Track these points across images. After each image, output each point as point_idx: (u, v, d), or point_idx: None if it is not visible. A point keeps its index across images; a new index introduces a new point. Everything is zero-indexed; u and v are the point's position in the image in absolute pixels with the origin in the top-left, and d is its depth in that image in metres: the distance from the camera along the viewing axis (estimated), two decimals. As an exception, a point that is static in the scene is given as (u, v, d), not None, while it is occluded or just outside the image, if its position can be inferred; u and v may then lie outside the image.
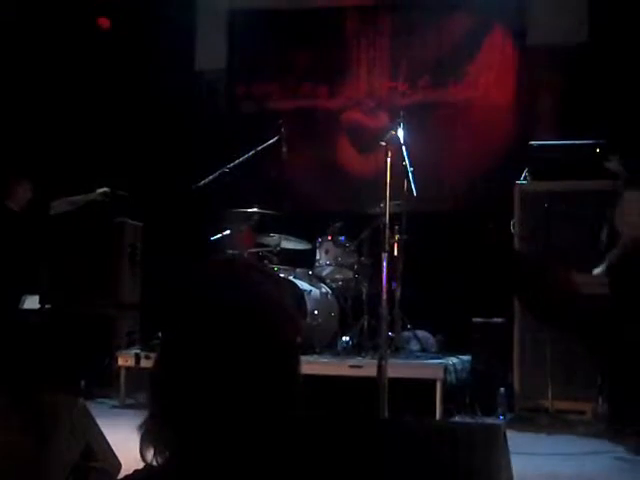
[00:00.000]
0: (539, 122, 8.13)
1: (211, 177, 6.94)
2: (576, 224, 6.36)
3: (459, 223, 7.74)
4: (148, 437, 1.32)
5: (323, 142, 8.94)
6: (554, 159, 7.01)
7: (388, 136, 5.40)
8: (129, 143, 8.73)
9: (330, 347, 7.10)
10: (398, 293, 6.98)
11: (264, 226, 7.56)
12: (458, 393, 6.46)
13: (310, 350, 6.79)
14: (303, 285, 7.10)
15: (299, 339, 1.40)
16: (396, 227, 6.90)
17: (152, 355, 6.42)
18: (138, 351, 6.96)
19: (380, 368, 4.93)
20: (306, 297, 6.96)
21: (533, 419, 6.31)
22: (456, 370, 6.53)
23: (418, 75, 8.67)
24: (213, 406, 1.28)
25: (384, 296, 5.10)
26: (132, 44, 8.92)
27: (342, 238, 7.44)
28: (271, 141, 7.30)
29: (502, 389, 6.39)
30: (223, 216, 7.56)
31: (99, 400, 7.06)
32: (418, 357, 6.86)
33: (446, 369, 6.27)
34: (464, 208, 8.06)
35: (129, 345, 7.78)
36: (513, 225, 6.71)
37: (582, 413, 6.34)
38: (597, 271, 5.12)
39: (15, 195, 7.15)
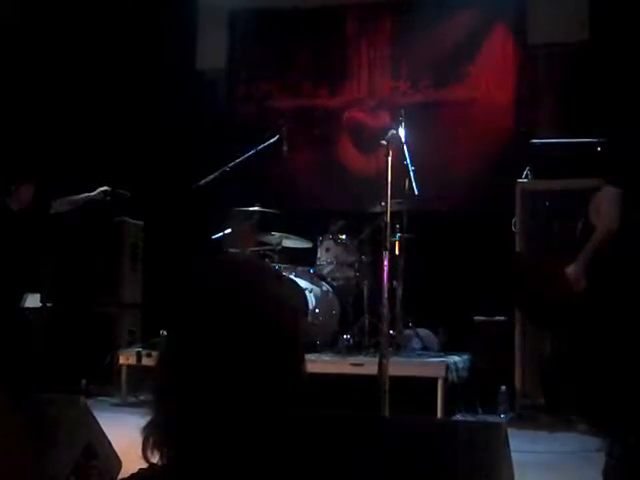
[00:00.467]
0: (540, 120, 8.13)
1: (212, 176, 6.94)
2: (577, 222, 6.34)
3: (460, 222, 7.74)
4: (151, 436, 1.32)
5: (324, 141, 8.93)
6: (555, 157, 7.01)
7: (389, 135, 5.39)
8: (130, 142, 8.72)
9: (331, 345, 7.11)
10: (399, 291, 6.99)
11: (265, 225, 7.56)
12: (459, 391, 6.46)
13: (311, 348, 6.80)
14: (304, 283, 7.11)
15: (301, 335, 1.40)
16: (397, 226, 6.91)
17: (153, 353, 6.42)
18: (139, 349, 6.98)
19: (381, 366, 4.93)
20: (307, 295, 6.97)
21: (534, 417, 6.31)
22: (457, 368, 6.53)
23: (419, 74, 8.65)
24: (216, 403, 1.28)
25: (385, 294, 5.10)
26: (133, 43, 8.91)
27: (343, 237, 7.44)
28: (272, 140, 7.30)
29: (503, 387, 6.40)
30: (224, 215, 7.56)
31: (100, 398, 7.07)
32: (419, 355, 6.86)
33: (447, 367, 6.27)
34: (465, 207, 8.05)
35: (130, 343, 7.80)
36: (514, 223, 6.71)
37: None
38: (570, 269, 5.10)
39: (16, 194, 7.16)
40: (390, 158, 5.21)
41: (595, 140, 5.94)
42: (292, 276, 7.15)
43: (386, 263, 5.11)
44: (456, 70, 8.51)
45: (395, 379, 5.11)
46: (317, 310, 7.01)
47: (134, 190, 7.85)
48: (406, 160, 6.25)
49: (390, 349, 5.76)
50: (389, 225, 5.23)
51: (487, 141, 8.28)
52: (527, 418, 6.32)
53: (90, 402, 3.93)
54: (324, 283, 7.42)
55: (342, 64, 8.97)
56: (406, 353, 6.86)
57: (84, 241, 8.16)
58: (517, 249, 6.62)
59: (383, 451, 2.40)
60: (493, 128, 8.32)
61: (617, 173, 5.42)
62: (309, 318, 6.86)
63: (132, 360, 6.93)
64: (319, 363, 6.43)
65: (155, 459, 1.32)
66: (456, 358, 6.70)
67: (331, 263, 7.45)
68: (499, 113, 8.35)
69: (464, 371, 6.70)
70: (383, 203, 5.33)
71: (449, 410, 6.23)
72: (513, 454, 2.68)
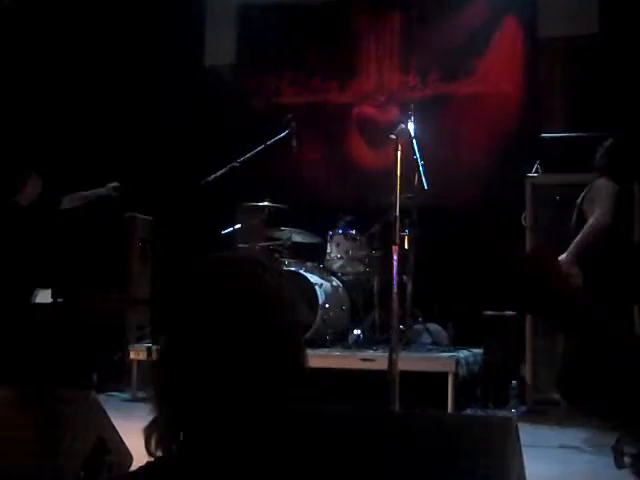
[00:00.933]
0: (550, 114, 8.10)
1: (221, 171, 6.94)
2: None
3: (470, 216, 7.73)
4: (154, 434, 1.33)
5: (333, 136, 8.93)
6: (565, 151, 6.99)
7: (398, 130, 5.37)
8: (139, 138, 8.74)
9: (341, 340, 7.11)
10: (409, 286, 6.98)
11: (275, 220, 7.56)
12: (470, 386, 6.46)
13: (322, 343, 6.80)
14: (314, 278, 7.10)
15: (300, 330, 1.41)
16: (407, 220, 6.89)
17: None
18: (149, 344, 6.99)
19: (391, 361, 4.92)
20: (317, 290, 6.96)
21: (545, 412, 6.30)
22: (468, 363, 6.52)
23: (428, 69, 8.64)
24: (216, 400, 1.29)
25: (395, 289, 5.09)
26: (142, 39, 8.92)
27: (353, 231, 7.44)
28: (281, 135, 7.29)
29: (514, 382, 6.39)
30: (233, 210, 7.57)
31: (111, 393, 7.10)
32: (430, 350, 6.85)
33: (458, 362, 6.26)
34: (475, 201, 8.03)
35: (139, 339, 7.81)
36: (524, 218, 6.69)
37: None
38: (563, 257, 5.11)
39: (24, 190, 7.18)
40: (399, 152, 5.19)
41: (605, 134, 5.91)
42: (302, 271, 7.14)
43: (396, 258, 5.09)
44: (465, 64, 8.48)
45: (405, 374, 5.10)
46: (327, 305, 7.00)
47: (144, 186, 7.86)
48: (415, 155, 6.23)
49: (400, 344, 5.75)
50: (399, 220, 5.22)
51: (497, 135, 8.26)
52: (538, 412, 6.31)
53: (101, 397, 3.94)
54: (334, 278, 7.42)
55: (351, 59, 8.96)
56: (416, 348, 6.85)
57: (94, 237, 8.18)
58: (527, 243, 6.60)
59: (392, 446, 2.39)
60: (503, 122, 8.30)
61: (615, 168, 5.41)
62: (319, 313, 6.85)
63: (142, 355, 6.95)
64: (329, 358, 6.43)
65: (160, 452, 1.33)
66: (466, 353, 6.68)
67: (341, 258, 7.44)
68: (509, 107, 8.33)
69: (474, 366, 6.69)
70: (393, 198, 5.32)
71: (459, 405, 6.22)
72: (524, 449, 2.67)
